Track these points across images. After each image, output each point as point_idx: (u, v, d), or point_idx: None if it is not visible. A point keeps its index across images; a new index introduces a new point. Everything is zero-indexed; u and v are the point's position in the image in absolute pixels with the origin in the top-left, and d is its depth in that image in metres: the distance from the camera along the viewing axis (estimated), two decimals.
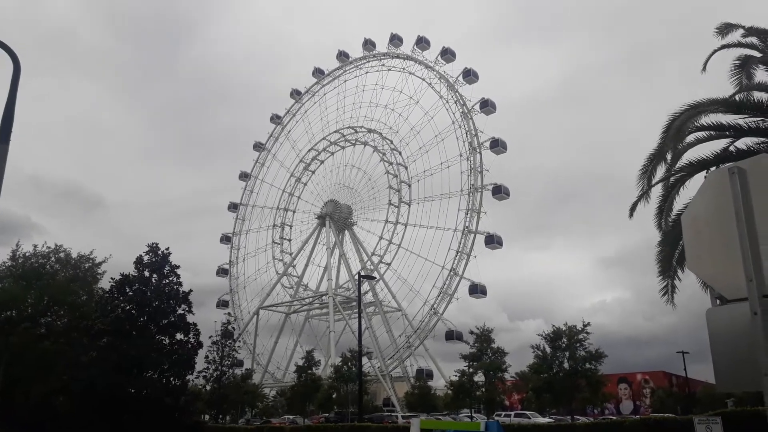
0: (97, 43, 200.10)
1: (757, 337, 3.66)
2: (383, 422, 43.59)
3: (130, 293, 37.32)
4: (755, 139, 16.57)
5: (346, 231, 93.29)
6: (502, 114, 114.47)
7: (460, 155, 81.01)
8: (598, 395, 53.47)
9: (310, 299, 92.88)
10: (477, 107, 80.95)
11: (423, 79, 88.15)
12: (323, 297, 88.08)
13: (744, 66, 15.58)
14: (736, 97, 16.00)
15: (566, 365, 48.12)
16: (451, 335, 72.25)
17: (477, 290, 74.61)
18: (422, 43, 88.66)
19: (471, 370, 54.93)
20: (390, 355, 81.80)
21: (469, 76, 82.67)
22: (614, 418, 49.94)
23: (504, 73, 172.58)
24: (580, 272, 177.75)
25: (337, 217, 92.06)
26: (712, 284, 4.24)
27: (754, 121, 16.32)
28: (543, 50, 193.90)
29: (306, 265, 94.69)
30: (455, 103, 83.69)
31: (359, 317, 41.79)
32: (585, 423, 29.23)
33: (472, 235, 76.97)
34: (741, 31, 16.62)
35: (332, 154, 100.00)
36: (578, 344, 47.98)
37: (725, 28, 16.66)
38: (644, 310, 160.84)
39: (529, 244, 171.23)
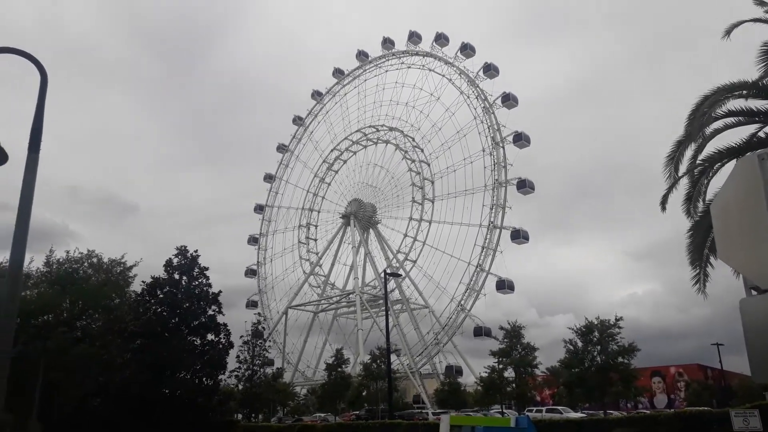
0: (121, 55, 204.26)
1: None
2: (414, 419, 43.66)
3: (161, 295, 37.83)
4: None
5: (371, 229, 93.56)
6: (524, 109, 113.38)
7: (483, 150, 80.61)
8: (630, 389, 52.58)
9: (338, 298, 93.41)
10: (498, 102, 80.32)
11: (443, 76, 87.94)
12: (350, 295, 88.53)
13: None
14: (765, 80, 15.53)
15: (598, 359, 47.42)
16: (480, 331, 71.87)
17: (504, 286, 74.10)
18: (441, 39, 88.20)
19: (501, 366, 54.53)
20: (418, 352, 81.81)
21: (490, 70, 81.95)
22: (648, 412, 49.06)
23: (524, 69, 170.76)
24: (608, 266, 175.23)
25: (361, 216, 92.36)
26: (744, 274, 4.14)
27: None
28: (562, 46, 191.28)
29: (332, 264, 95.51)
30: (476, 98, 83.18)
31: (386, 315, 41.90)
32: (618, 417, 28.78)
33: (498, 230, 76.51)
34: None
35: (355, 153, 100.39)
36: (610, 338, 47.24)
37: (759, 2, 16.18)
38: (677, 302, 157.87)
39: (555, 239, 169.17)
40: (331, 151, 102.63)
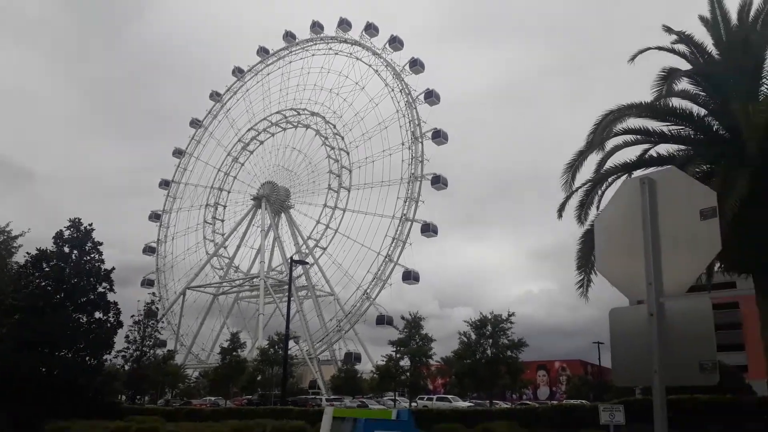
0: (37, 12, 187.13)
1: (651, 336, 3.93)
2: (307, 405, 43.67)
3: (47, 269, 35.60)
4: (675, 147, 17.48)
5: (283, 214, 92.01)
6: (446, 107, 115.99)
7: (402, 144, 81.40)
8: (517, 381, 55.65)
9: (241, 281, 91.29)
10: (421, 97, 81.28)
11: (369, 66, 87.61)
12: (254, 279, 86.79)
13: (668, 77, 16.39)
14: (660, 103, 16.72)
15: (489, 352, 49.72)
16: (382, 320, 73.11)
17: (410, 277, 75.78)
18: (371, 29, 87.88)
19: (398, 355, 55.83)
20: (319, 338, 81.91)
21: (416, 65, 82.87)
22: (531, 403, 52.25)
23: (449, 69, 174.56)
24: (511, 264, 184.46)
25: (273, 199, 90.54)
26: (616, 286, 4.46)
27: (676, 129, 17.20)
28: (488, 50, 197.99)
29: (238, 247, 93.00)
30: (400, 91, 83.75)
31: (288, 300, 41.52)
32: (502, 408, 30.38)
33: (409, 222, 77.85)
34: (674, 37, 17.35)
35: (273, 135, 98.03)
36: (502, 332, 49.62)
37: (668, 30, 17.40)
38: (569, 302, 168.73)
39: (464, 235, 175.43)
40: (248, 130, 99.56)
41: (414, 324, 55.32)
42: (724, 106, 15.60)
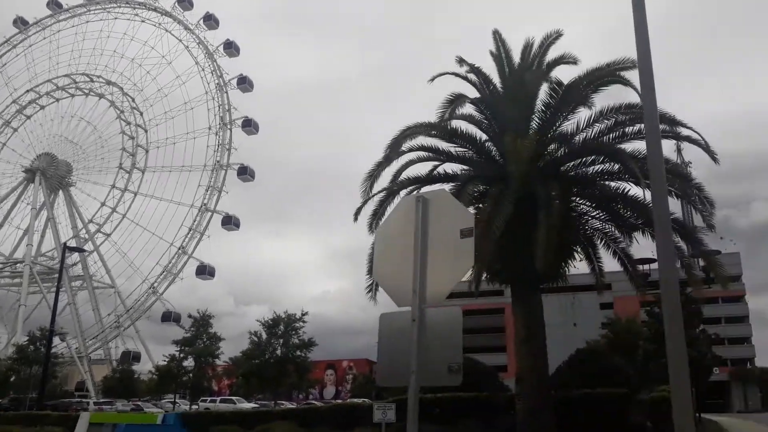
0: None
1: (412, 340, 4.24)
2: (70, 410, 39.08)
3: None
4: (460, 166, 19.36)
5: (61, 191, 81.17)
6: (259, 97, 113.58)
7: (209, 129, 77.22)
8: (304, 381, 56.62)
9: (0, 266, 78.47)
10: (234, 82, 78.29)
11: (180, 40, 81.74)
12: (18, 264, 75.29)
13: (454, 102, 18.10)
14: (448, 125, 18.40)
15: (279, 352, 49.79)
16: (168, 317, 68.62)
17: (205, 271, 72.44)
18: (185, 2, 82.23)
19: (182, 355, 53.04)
20: (93, 335, 73.95)
21: (230, 48, 79.75)
22: (315, 403, 53.52)
23: (266, 58, 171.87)
24: (311, 262, 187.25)
25: (51, 174, 79.40)
26: (388, 292, 4.76)
27: (462, 150, 19.08)
28: (308, 45, 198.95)
29: (0, 225, 79.85)
30: (212, 73, 79.63)
31: (57, 291, 36.66)
32: (285, 408, 30.54)
33: (210, 213, 74.34)
34: (467, 67, 19.22)
35: (57, 100, 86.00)
36: (293, 332, 50.06)
37: (460, 61, 19.15)
38: (361, 302, 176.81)
39: (268, 230, 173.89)
40: (27, 91, 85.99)
41: (202, 322, 53.14)
42: (500, 134, 17.69)
